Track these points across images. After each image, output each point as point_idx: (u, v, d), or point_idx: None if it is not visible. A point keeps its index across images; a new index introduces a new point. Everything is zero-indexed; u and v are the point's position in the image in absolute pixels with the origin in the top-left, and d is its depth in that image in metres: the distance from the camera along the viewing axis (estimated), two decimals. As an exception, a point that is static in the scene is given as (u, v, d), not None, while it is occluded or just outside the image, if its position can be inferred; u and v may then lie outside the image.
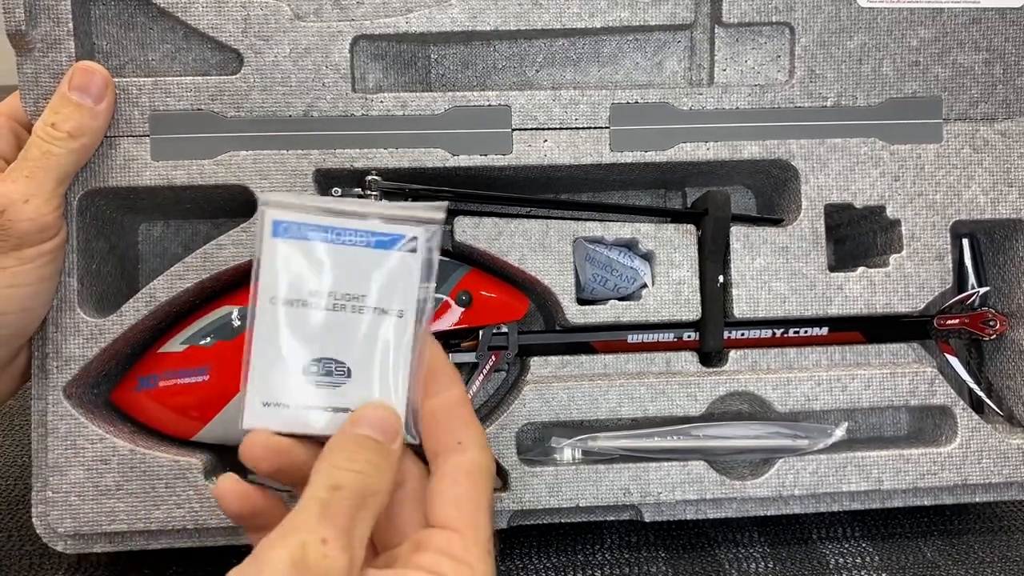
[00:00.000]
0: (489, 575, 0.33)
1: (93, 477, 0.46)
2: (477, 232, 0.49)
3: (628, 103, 0.49)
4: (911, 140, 0.51)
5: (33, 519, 0.46)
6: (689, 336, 0.51)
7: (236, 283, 0.49)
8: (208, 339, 0.47)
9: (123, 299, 0.47)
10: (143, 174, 0.47)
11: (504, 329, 0.50)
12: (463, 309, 0.49)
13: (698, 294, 0.50)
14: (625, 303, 0.50)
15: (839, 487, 0.49)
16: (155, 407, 0.47)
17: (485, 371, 0.50)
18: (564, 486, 0.48)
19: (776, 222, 0.52)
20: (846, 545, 0.51)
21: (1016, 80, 0.51)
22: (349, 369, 0.36)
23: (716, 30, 0.51)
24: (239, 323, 0.47)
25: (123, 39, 0.48)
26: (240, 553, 0.49)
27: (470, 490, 0.35)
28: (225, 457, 0.51)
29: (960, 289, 0.54)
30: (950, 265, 0.51)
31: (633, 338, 0.50)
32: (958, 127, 0.51)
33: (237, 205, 0.49)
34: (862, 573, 0.49)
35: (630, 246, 0.51)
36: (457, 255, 0.51)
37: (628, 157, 0.49)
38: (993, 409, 0.54)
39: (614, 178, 0.53)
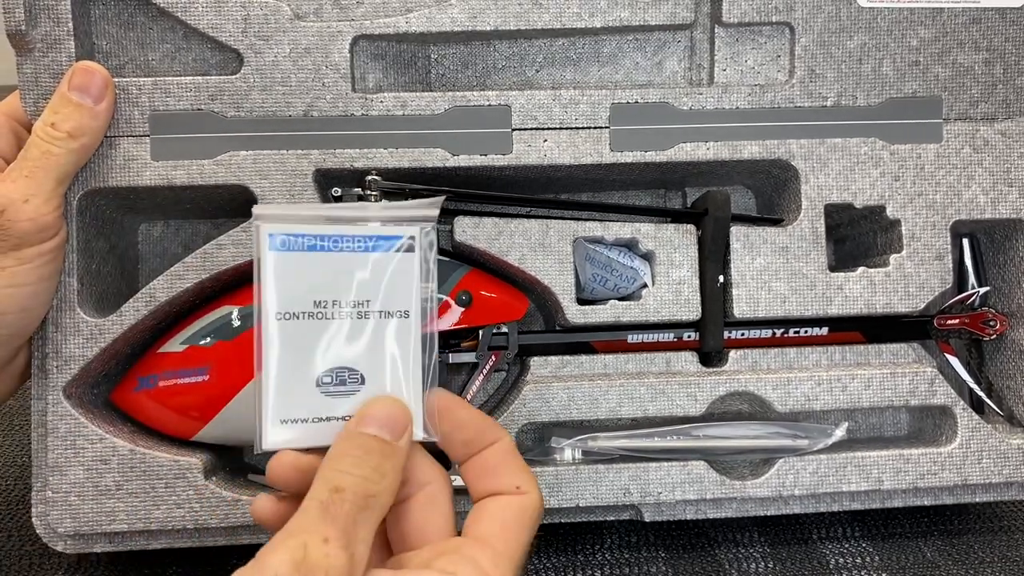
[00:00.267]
0: None
1: (93, 477, 0.46)
2: (477, 232, 0.49)
3: (628, 103, 0.49)
4: (911, 140, 0.51)
5: (33, 519, 0.46)
6: (689, 336, 0.51)
7: (236, 283, 0.49)
8: (208, 339, 0.47)
9: (123, 299, 0.47)
10: (143, 174, 0.47)
11: (504, 329, 0.50)
12: (463, 309, 0.49)
13: (698, 294, 0.50)
14: (625, 303, 0.50)
15: (839, 487, 0.49)
16: (155, 407, 0.47)
17: (485, 371, 0.50)
18: (564, 486, 0.48)
19: (776, 222, 0.52)
20: (846, 545, 0.51)
21: (1016, 80, 0.51)
22: (362, 376, 0.36)
23: (716, 30, 0.51)
24: (239, 323, 0.46)
25: (123, 39, 0.48)
26: (240, 553, 0.50)
27: (519, 518, 0.35)
28: (225, 457, 0.51)
29: (960, 289, 0.54)
30: (950, 265, 0.51)
31: (633, 338, 0.50)
32: (958, 127, 0.51)
33: (237, 205, 0.49)
34: (862, 573, 0.49)
35: (630, 246, 0.51)
36: (457, 255, 0.51)
37: (628, 157, 0.49)
38: (993, 409, 0.54)
39: (614, 178, 0.53)
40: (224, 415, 0.46)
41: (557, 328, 0.52)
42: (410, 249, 0.36)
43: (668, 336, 0.51)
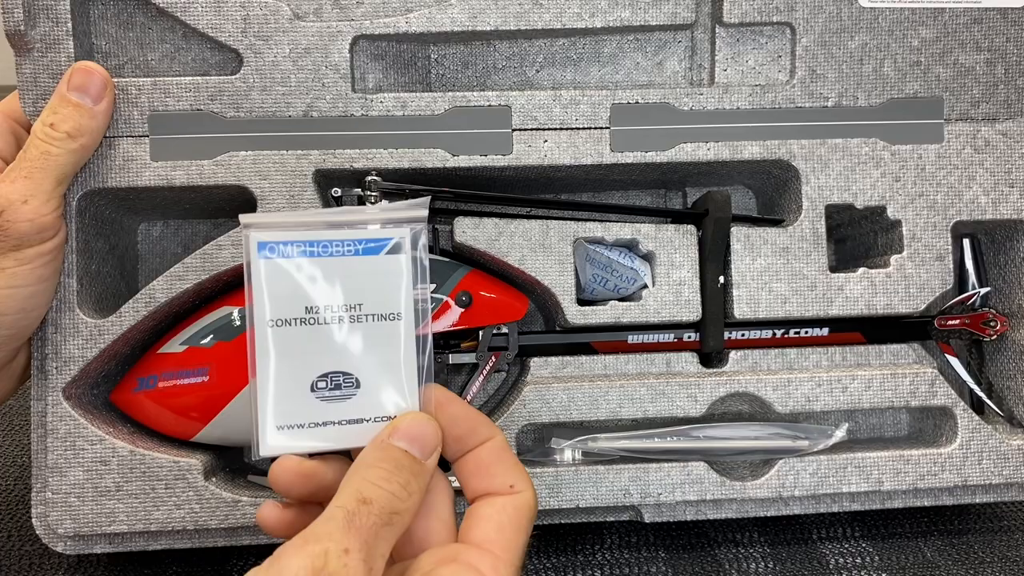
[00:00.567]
0: None
1: (93, 478, 0.46)
2: (477, 233, 0.49)
3: (628, 103, 0.49)
4: (912, 140, 0.51)
5: (33, 520, 0.46)
6: (689, 337, 0.51)
7: (236, 283, 0.49)
8: (208, 340, 0.47)
9: (122, 300, 0.47)
10: (142, 174, 0.47)
11: (504, 330, 0.50)
12: (463, 310, 0.49)
13: (698, 295, 0.50)
14: (625, 304, 0.50)
15: (839, 488, 0.49)
16: (155, 408, 0.47)
17: (485, 372, 0.50)
18: (564, 487, 0.48)
19: (777, 222, 0.52)
20: (846, 545, 0.51)
21: (1017, 80, 0.51)
22: (357, 380, 0.36)
23: (717, 30, 0.51)
24: (239, 324, 0.46)
25: (122, 39, 0.48)
26: (240, 553, 0.50)
27: (514, 520, 0.35)
28: (225, 458, 0.51)
29: (961, 290, 0.54)
30: (951, 266, 0.51)
31: (633, 339, 0.50)
32: (959, 127, 0.51)
33: (237, 205, 0.49)
34: (862, 573, 0.49)
35: (630, 247, 0.51)
36: (457, 256, 0.51)
37: (628, 157, 0.49)
38: (993, 410, 0.54)
39: (614, 178, 0.53)
40: (224, 416, 0.46)
41: (557, 329, 0.52)
42: (399, 251, 0.36)
43: (668, 337, 0.51)
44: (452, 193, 0.48)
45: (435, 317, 0.48)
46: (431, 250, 0.51)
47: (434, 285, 0.48)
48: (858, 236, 0.55)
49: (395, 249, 0.36)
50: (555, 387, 0.49)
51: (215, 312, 0.47)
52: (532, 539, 0.51)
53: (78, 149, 0.44)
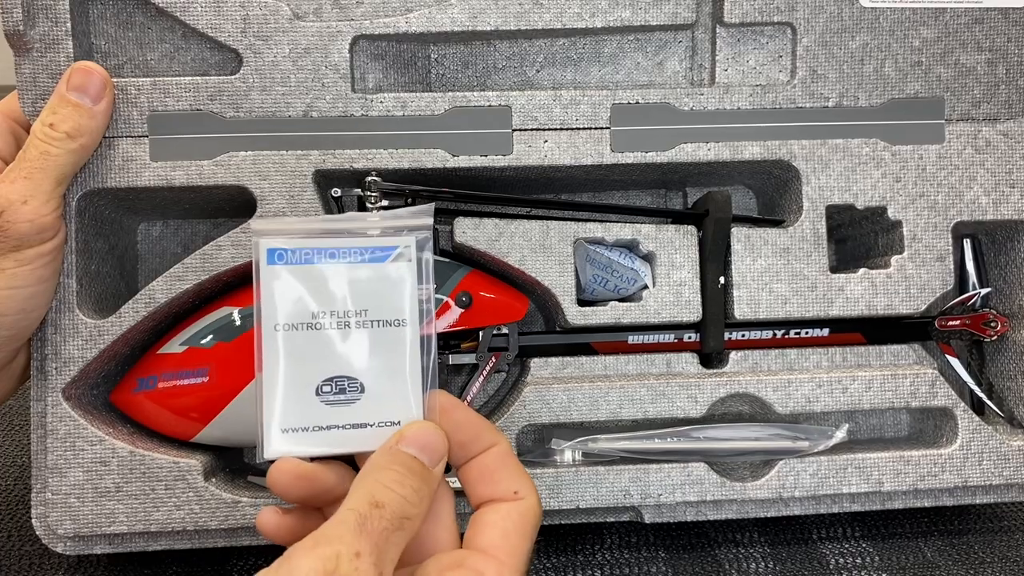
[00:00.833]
0: None
1: (93, 479, 0.46)
2: (477, 233, 0.48)
3: (629, 103, 0.49)
4: (913, 141, 0.51)
5: (33, 520, 0.46)
6: (690, 337, 0.51)
7: (236, 283, 0.49)
8: (208, 340, 0.46)
9: (122, 300, 0.47)
10: (142, 175, 0.47)
11: (504, 330, 0.50)
12: (463, 310, 0.49)
13: (699, 295, 0.50)
14: (625, 304, 0.50)
15: (839, 489, 0.49)
16: (154, 408, 0.47)
17: (485, 372, 0.50)
18: (564, 488, 0.48)
19: (777, 223, 0.52)
20: (846, 545, 0.51)
21: (1019, 80, 0.51)
22: (362, 384, 0.36)
23: (718, 30, 0.51)
24: (239, 324, 0.46)
25: (121, 39, 0.48)
26: (240, 554, 0.50)
27: (519, 526, 0.35)
28: (225, 458, 0.51)
29: (961, 290, 0.54)
30: (951, 266, 0.51)
31: (633, 339, 0.50)
32: (960, 128, 0.51)
33: (236, 205, 0.49)
34: (862, 573, 0.49)
35: (630, 247, 0.51)
36: (457, 256, 0.51)
37: (629, 158, 0.49)
38: (994, 410, 0.54)
39: (615, 179, 0.53)
40: (224, 416, 0.46)
41: (557, 329, 0.52)
42: (404, 259, 0.37)
43: (668, 337, 0.51)
44: (452, 193, 0.48)
45: (435, 317, 0.48)
46: (432, 250, 0.51)
47: (434, 285, 0.48)
48: (859, 236, 0.55)
49: (400, 257, 0.37)
50: (555, 388, 0.49)
51: (215, 312, 0.47)
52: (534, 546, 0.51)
53: (77, 149, 0.44)
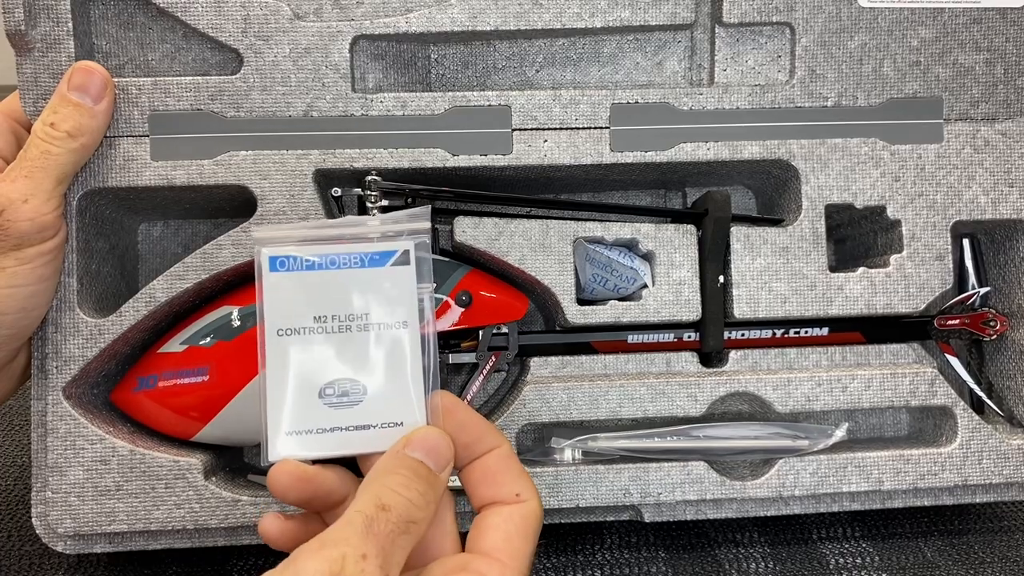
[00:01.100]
0: None
1: (93, 477, 0.46)
2: (477, 232, 0.49)
3: (628, 103, 0.49)
4: (912, 140, 0.51)
5: (33, 519, 0.46)
6: (689, 336, 0.51)
7: (236, 283, 0.49)
8: (208, 339, 0.47)
9: (123, 299, 0.47)
10: (143, 174, 0.47)
11: (504, 329, 0.50)
12: (463, 309, 0.49)
13: (698, 294, 0.50)
14: (625, 303, 0.50)
15: (839, 488, 0.49)
16: (154, 407, 0.47)
17: (485, 371, 0.50)
18: (564, 486, 0.48)
19: (776, 222, 0.52)
20: (846, 545, 0.51)
21: (1017, 80, 0.51)
22: (365, 387, 0.37)
23: (717, 30, 0.51)
24: (239, 323, 0.46)
25: (122, 39, 0.48)
26: (240, 553, 0.50)
27: (521, 529, 0.35)
28: (225, 457, 0.51)
29: (961, 289, 0.54)
30: (951, 265, 0.51)
31: (633, 338, 0.50)
32: (959, 127, 0.51)
33: (237, 205, 0.49)
34: (862, 573, 0.49)
35: (630, 246, 0.51)
36: (457, 255, 0.51)
37: (628, 157, 0.49)
38: (993, 409, 0.54)
39: (614, 178, 0.53)
40: (224, 415, 0.46)
41: (557, 328, 0.52)
42: (405, 262, 0.38)
43: (668, 336, 0.51)
44: (452, 193, 0.48)
45: (435, 317, 0.48)
46: (431, 250, 0.51)
47: (434, 285, 0.48)
48: (858, 236, 0.55)
49: (400, 260, 0.38)
50: (555, 387, 0.49)
51: (215, 312, 0.47)
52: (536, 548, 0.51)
53: (78, 148, 0.44)
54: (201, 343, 0.47)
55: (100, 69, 0.45)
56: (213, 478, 0.47)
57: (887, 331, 0.52)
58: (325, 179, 0.48)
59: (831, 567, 0.49)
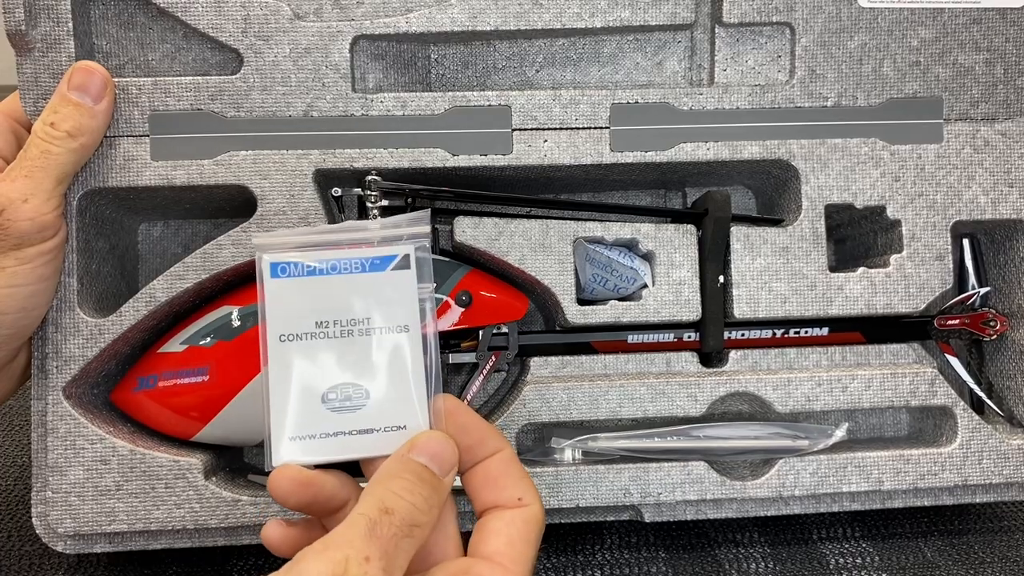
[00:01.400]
0: None
1: (93, 477, 0.46)
2: (477, 232, 0.49)
3: (628, 103, 0.49)
4: (912, 140, 0.51)
5: (33, 519, 0.46)
6: (689, 336, 0.51)
7: (236, 283, 0.49)
8: (208, 339, 0.47)
9: (123, 299, 0.47)
10: (143, 174, 0.47)
11: (504, 329, 0.50)
12: (463, 309, 0.49)
13: (698, 294, 0.50)
14: (625, 303, 0.50)
15: (839, 488, 0.49)
16: (155, 407, 0.47)
17: (485, 371, 0.50)
18: (564, 486, 0.48)
19: (776, 222, 0.52)
20: (846, 545, 0.51)
21: (1017, 80, 0.51)
22: (367, 391, 0.37)
23: (717, 30, 0.51)
24: (239, 323, 0.46)
25: (123, 39, 0.48)
26: (240, 553, 0.50)
27: (524, 533, 0.35)
28: (225, 457, 0.51)
29: (961, 289, 0.54)
30: (950, 265, 0.51)
31: (633, 338, 0.50)
32: (959, 127, 0.51)
33: (237, 205, 0.49)
34: (862, 573, 0.49)
35: (630, 246, 0.51)
36: (457, 255, 0.51)
37: (628, 157, 0.49)
38: (993, 409, 0.54)
39: (614, 178, 0.53)
40: (224, 415, 0.46)
41: (557, 328, 0.52)
42: (405, 266, 0.38)
43: (668, 336, 0.51)
44: (452, 193, 0.48)
45: (435, 318, 0.48)
46: (431, 250, 0.51)
47: (434, 285, 0.48)
48: (858, 236, 0.55)
49: (401, 265, 0.38)
50: (555, 387, 0.49)
51: (215, 312, 0.47)
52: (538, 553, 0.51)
53: (78, 148, 0.44)
54: (201, 343, 0.47)
55: (100, 69, 0.45)
56: (213, 478, 0.47)
57: (887, 331, 0.52)
58: (325, 179, 0.49)
59: (831, 567, 0.49)
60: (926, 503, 0.51)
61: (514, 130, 0.49)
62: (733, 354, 0.51)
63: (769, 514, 0.50)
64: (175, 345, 0.47)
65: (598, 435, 0.50)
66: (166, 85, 0.47)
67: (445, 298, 0.49)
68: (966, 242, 0.54)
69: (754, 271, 0.50)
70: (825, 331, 0.51)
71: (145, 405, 0.47)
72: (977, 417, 0.51)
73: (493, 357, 0.50)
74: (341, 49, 0.47)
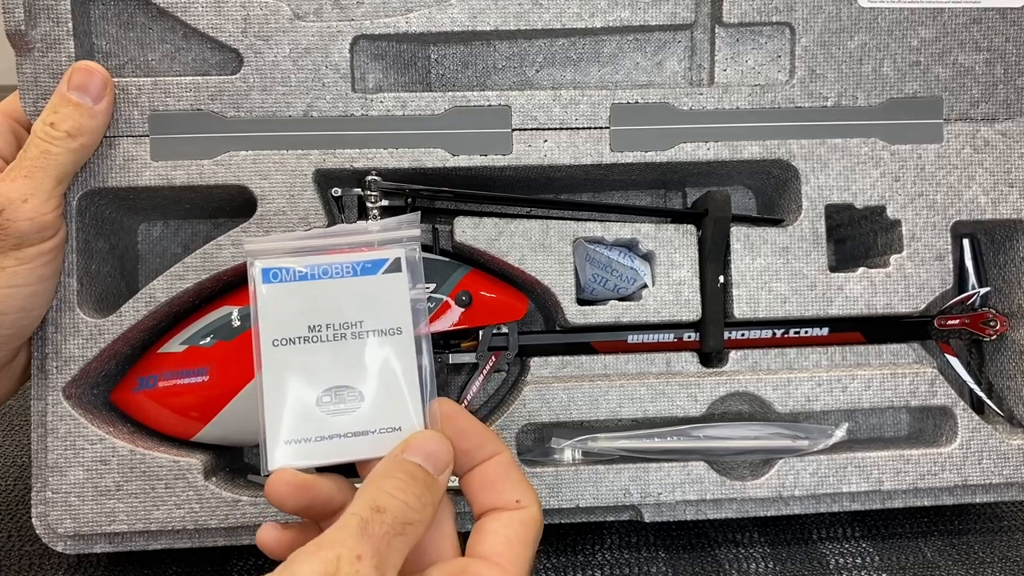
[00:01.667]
0: None
1: (93, 477, 0.46)
2: (477, 232, 0.49)
3: (628, 103, 0.49)
4: (912, 140, 0.51)
5: (33, 519, 0.46)
6: (689, 336, 0.51)
7: (236, 283, 0.49)
8: (208, 339, 0.47)
9: (123, 299, 0.47)
10: (142, 174, 0.47)
11: (504, 329, 0.50)
12: (463, 309, 0.49)
13: (698, 294, 0.50)
14: (625, 303, 0.50)
15: (839, 488, 0.49)
16: (154, 407, 0.47)
17: (485, 371, 0.50)
18: (564, 487, 0.48)
19: (776, 222, 0.52)
20: (846, 545, 0.51)
21: (1017, 80, 0.51)
22: (361, 393, 0.37)
23: (716, 30, 0.51)
24: (239, 323, 0.46)
25: (122, 39, 0.48)
26: (240, 553, 0.50)
27: (521, 534, 0.35)
28: (225, 457, 0.51)
29: (961, 289, 0.54)
30: (950, 265, 0.51)
31: (633, 338, 0.50)
32: (959, 127, 0.51)
33: (237, 205, 0.49)
34: (862, 573, 0.49)
35: (630, 246, 0.51)
36: (457, 255, 0.51)
37: (628, 157, 0.49)
38: (993, 410, 0.54)
39: (614, 178, 0.53)
40: (224, 415, 0.46)
41: (557, 328, 0.52)
42: (396, 269, 0.38)
43: (668, 336, 0.51)
44: (452, 193, 0.48)
45: (435, 317, 0.48)
46: (431, 250, 0.51)
47: (434, 285, 0.48)
48: (858, 236, 0.55)
49: (392, 268, 0.38)
50: (555, 387, 0.49)
51: (215, 312, 0.47)
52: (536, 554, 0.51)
53: (78, 148, 0.44)
54: (201, 343, 0.47)
55: (100, 69, 0.45)
56: (213, 478, 0.47)
57: (887, 331, 0.52)
58: (325, 179, 0.48)
59: (831, 567, 0.49)
60: (926, 503, 0.51)
61: (514, 130, 0.49)
62: (733, 354, 0.51)
63: (769, 514, 0.50)
64: (175, 345, 0.47)
65: (598, 435, 0.50)
66: (166, 85, 0.47)
67: (445, 298, 0.49)
68: (966, 242, 0.54)
69: (754, 271, 0.50)
70: (825, 331, 0.51)
71: (145, 405, 0.47)
72: (977, 417, 0.51)
73: (493, 357, 0.50)
74: (341, 49, 0.47)
